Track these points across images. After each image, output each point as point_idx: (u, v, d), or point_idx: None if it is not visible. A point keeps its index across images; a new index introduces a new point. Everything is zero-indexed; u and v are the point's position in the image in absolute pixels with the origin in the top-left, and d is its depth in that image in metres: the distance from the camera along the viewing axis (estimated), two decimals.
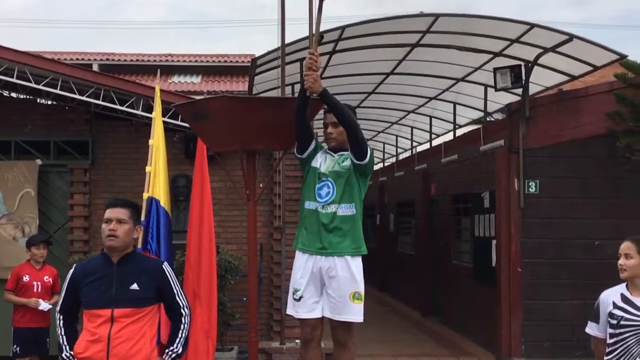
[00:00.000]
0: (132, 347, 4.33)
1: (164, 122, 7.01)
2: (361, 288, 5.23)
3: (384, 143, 21.25)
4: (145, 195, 6.27)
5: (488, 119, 13.47)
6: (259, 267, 9.38)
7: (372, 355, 10.79)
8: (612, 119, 10.38)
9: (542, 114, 10.61)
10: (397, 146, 20.16)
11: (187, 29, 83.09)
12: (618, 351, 4.44)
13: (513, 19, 9.79)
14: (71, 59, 23.15)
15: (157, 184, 6.29)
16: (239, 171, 5.86)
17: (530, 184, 10.49)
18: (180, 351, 4.54)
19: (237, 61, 25.79)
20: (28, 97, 10.86)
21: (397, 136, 19.48)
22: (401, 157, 20.23)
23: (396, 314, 15.68)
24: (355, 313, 5.21)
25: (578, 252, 10.50)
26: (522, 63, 10.51)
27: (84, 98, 9.58)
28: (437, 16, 9.88)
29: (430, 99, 14.45)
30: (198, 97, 6.56)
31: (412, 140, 18.37)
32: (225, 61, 26.02)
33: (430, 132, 16.60)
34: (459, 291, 12.90)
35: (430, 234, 15.16)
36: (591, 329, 4.69)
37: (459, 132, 14.80)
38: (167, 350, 4.52)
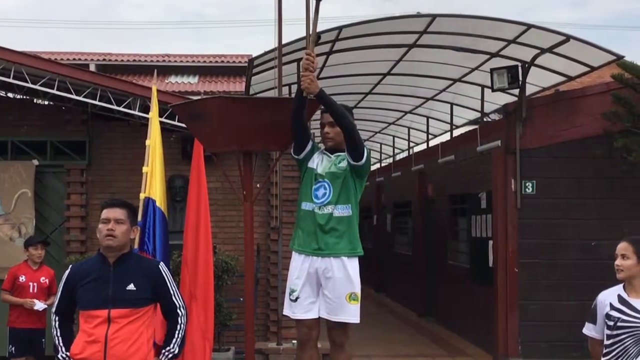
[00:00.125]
0: (129, 347, 4.33)
1: (160, 122, 7.01)
2: (357, 289, 5.22)
3: (381, 143, 21.25)
4: (142, 196, 6.26)
5: (485, 120, 13.48)
6: (255, 267, 9.38)
7: (368, 355, 10.80)
8: (609, 120, 10.39)
9: (539, 114, 10.62)
10: (394, 147, 20.17)
11: (184, 30, 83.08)
12: (615, 352, 4.44)
13: (510, 19, 9.81)
14: (68, 59, 23.14)
15: (153, 184, 6.29)
16: (235, 171, 5.86)
17: (527, 184, 10.50)
18: (176, 351, 4.54)
19: (234, 61, 25.80)
20: (25, 97, 10.84)
21: (394, 137, 19.49)
22: (398, 157, 20.25)
23: (393, 315, 15.69)
24: (351, 314, 5.20)
25: (575, 252, 10.52)
26: (519, 64, 10.53)
27: (80, 98, 9.58)
28: (434, 17, 9.88)
29: (428, 99, 14.46)
30: (195, 98, 6.55)
31: (409, 140, 18.38)
32: (222, 61, 26.02)
33: (427, 133, 16.60)
34: (456, 291, 12.91)
35: (427, 234, 15.18)
36: (588, 330, 4.69)
37: (456, 132, 14.80)
38: (163, 351, 4.51)
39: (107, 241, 4.41)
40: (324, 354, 6.52)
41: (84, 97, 9.56)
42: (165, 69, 24.79)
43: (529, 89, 11.36)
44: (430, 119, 16.04)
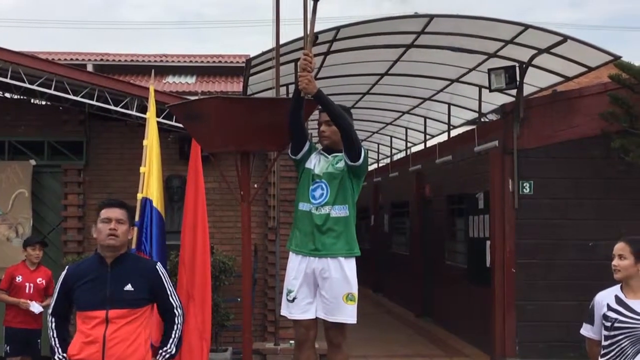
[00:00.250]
0: (127, 347, 4.33)
1: (158, 122, 7.00)
2: (354, 289, 5.22)
3: (378, 144, 21.26)
4: (140, 196, 6.25)
5: (482, 120, 13.48)
6: (253, 267, 9.37)
7: (365, 355, 10.79)
8: (606, 120, 10.40)
9: (536, 114, 10.63)
10: (391, 147, 20.17)
11: (182, 30, 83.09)
12: (613, 353, 4.44)
13: (507, 20, 9.80)
14: (65, 59, 23.09)
15: (150, 185, 6.28)
16: (233, 172, 5.85)
17: (524, 184, 10.51)
18: (173, 352, 4.54)
19: (231, 62, 25.77)
20: (22, 97, 10.83)
21: (391, 137, 19.49)
22: (395, 157, 20.23)
23: (390, 315, 15.69)
24: (348, 314, 5.21)
25: (572, 252, 10.52)
26: (517, 64, 10.53)
27: (78, 98, 9.57)
28: (431, 17, 9.88)
29: (425, 99, 14.45)
30: (192, 98, 6.55)
31: (406, 141, 18.38)
32: (220, 62, 25.99)
33: (425, 133, 16.60)
34: (453, 292, 12.91)
35: (424, 234, 15.17)
36: (586, 330, 4.69)
37: (454, 132, 14.81)
38: (160, 351, 4.51)
39: (109, 240, 4.40)
40: (321, 354, 6.53)
41: (82, 97, 9.55)
42: (163, 69, 24.76)
43: (527, 90, 11.37)
44: (427, 119, 16.04)
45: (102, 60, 25.17)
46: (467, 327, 12.12)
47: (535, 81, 11.50)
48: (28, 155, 10.40)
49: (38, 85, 9.55)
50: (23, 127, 10.51)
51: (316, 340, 5.42)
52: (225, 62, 25.94)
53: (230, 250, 10.04)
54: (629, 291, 4.49)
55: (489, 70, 10.64)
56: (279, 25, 9.72)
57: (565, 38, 9.59)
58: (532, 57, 10.34)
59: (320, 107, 5.26)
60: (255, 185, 8.07)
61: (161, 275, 4.56)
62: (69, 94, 9.53)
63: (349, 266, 5.21)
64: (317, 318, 5.29)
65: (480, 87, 12.30)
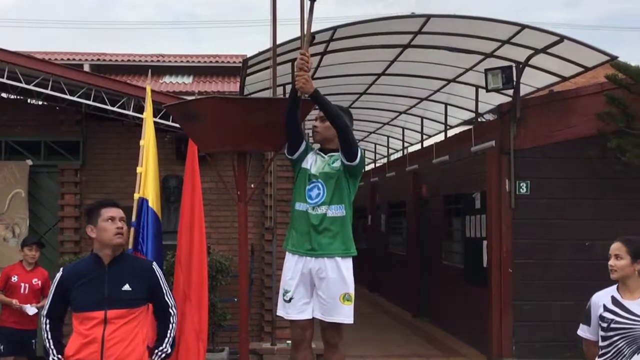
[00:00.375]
0: (126, 347, 4.33)
1: (155, 122, 7.00)
2: (351, 289, 5.22)
3: (375, 144, 21.26)
4: (137, 196, 6.25)
5: (479, 120, 13.49)
6: (249, 267, 9.37)
7: (362, 355, 10.79)
8: (603, 120, 10.41)
9: (533, 114, 10.64)
10: (388, 147, 20.18)
11: (178, 30, 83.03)
12: (610, 354, 4.44)
13: (504, 20, 9.81)
14: (62, 59, 23.06)
15: (147, 185, 6.27)
16: (230, 172, 5.85)
17: (521, 184, 10.52)
18: (169, 351, 4.54)
19: (228, 62, 25.75)
20: (18, 97, 10.81)
21: (388, 137, 19.50)
22: (392, 157, 20.25)
23: (387, 315, 15.69)
24: (345, 314, 5.20)
25: (569, 252, 10.53)
26: (513, 64, 10.54)
27: (74, 98, 9.56)
28: (428, 17, 9.89)
29: (422, 99, 14.47)
30: (189, 98, 6.54)
31: (403, 141, 18.39)
32: (217, 62, 25.97)
33: (422, 133, 16.62)
34: (450, 292, 12.91)
35: (421, 234, 15.18)
36: (583, 331, 4.69)
37: (450, 133, 14.82)
38: (156, 351, 4.51)
39: (117, 239, 4.42)
40: (318, 354, 6.52)
41: (78, 97, 9.54)
42: (160, 69, 24.73)
43: (523, 90, 11.38)
44: (424, 119, 16.06)
45: (98, 60, 25.14)
46: (464, 327, 12.12)
47: (532, 81, 11.52)
48: (25, 155, 10.39)
49: (35, 85, 9.53)
50: (20, 127, 10.50)
51: (313, 341, 5.41)
52: (222, 62, 25.93)
53: (227, 250, 10.03)
54: (625, 291, 4.49)
55: (486, 70, 10.65)
56: (276, 25, 9.73)
57: (562, 38, 9.60)
58: (529, 57, 10.35)
59: (317, 106, 5.26)
60: (252, 185, 8.04)
61: (157, 274, 4.57)
62: (66, 94, 9.52)
63: (346, 266, 5.20)
64: (313, 318, 5.28)
65: (477, 87, 12.31)
